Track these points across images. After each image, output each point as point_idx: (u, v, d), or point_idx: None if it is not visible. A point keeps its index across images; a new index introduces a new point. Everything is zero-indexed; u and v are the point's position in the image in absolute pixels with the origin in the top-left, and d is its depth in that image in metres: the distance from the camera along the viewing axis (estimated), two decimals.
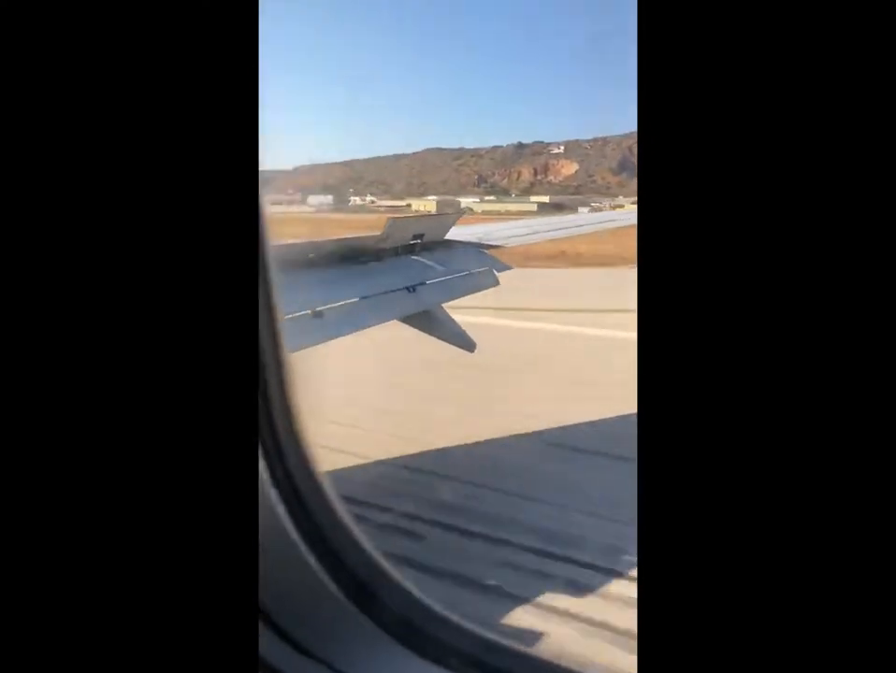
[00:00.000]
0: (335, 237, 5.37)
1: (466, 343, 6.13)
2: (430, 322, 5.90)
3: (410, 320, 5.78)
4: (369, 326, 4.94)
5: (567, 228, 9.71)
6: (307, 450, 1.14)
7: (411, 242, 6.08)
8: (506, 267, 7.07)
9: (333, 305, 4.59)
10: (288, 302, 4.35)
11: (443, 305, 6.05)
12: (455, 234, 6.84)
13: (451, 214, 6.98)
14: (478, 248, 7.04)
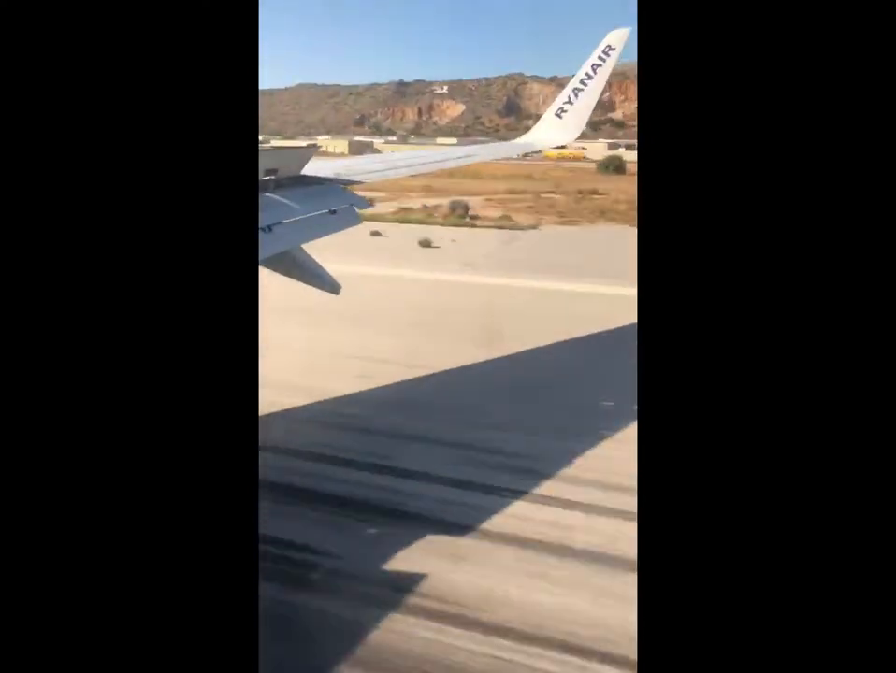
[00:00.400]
0: None
1: (330, 285, 5.92)
2: (290, 264, 5.61)
3: (268, 262, 5.45)
4: None
5: (429, 163, 9.56)
6: None
7: (264, 178, 5.67)
8: (367, 205, 6.84)
9: None
10: None
11: (303, 245, 5.75)
12: (311, 168, 6.47)
13: (305, 148, 6.60)
14: (337, 184, 6.73)
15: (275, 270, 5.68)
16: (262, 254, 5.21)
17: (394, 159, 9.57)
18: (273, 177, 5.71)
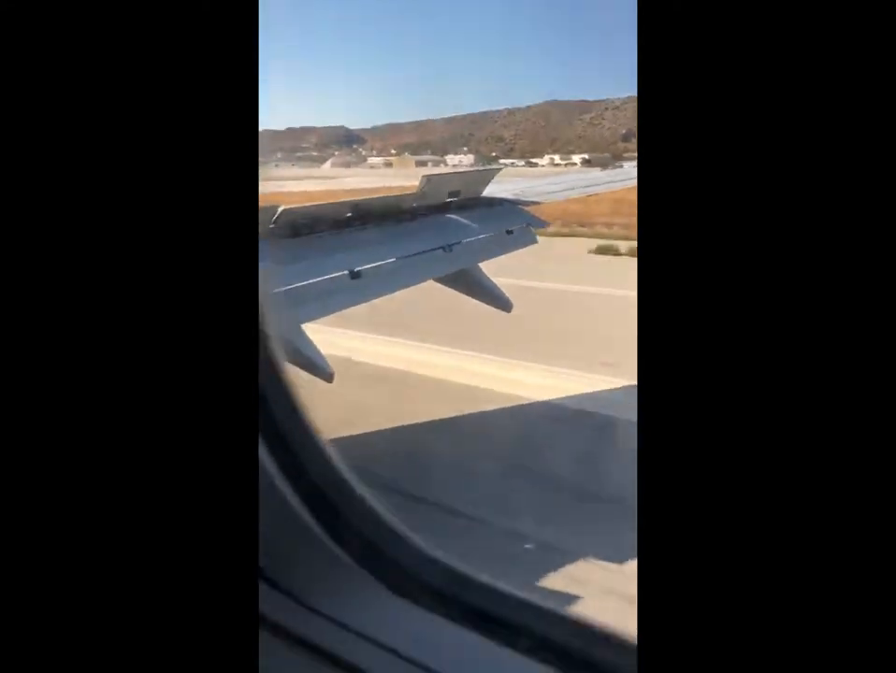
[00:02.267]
0: (370, 197, 5.32)
1: (502, 303, 6.08)
2: (466, 281, 5.86)
3: (446, 280, 5.75)
4: (405, 287, 4.93)
5: (604, 184, 9.45)
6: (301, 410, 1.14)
7: (448, 200, 6.00)
8: (543, 224, 6.94)
9: (370, 265, 4.58)
10: (324, 263, 4.36)
11: (480, 264, 5.99)
12: (491, 190, 6.72)
13: (488, 170, 6.84)
14: (515, 205, 6.91)
15: (453, 287, 5.97)
16: (441, 272, 5.52)
17: (572, 179, 9.58)
18: (456, 199, 6.03)
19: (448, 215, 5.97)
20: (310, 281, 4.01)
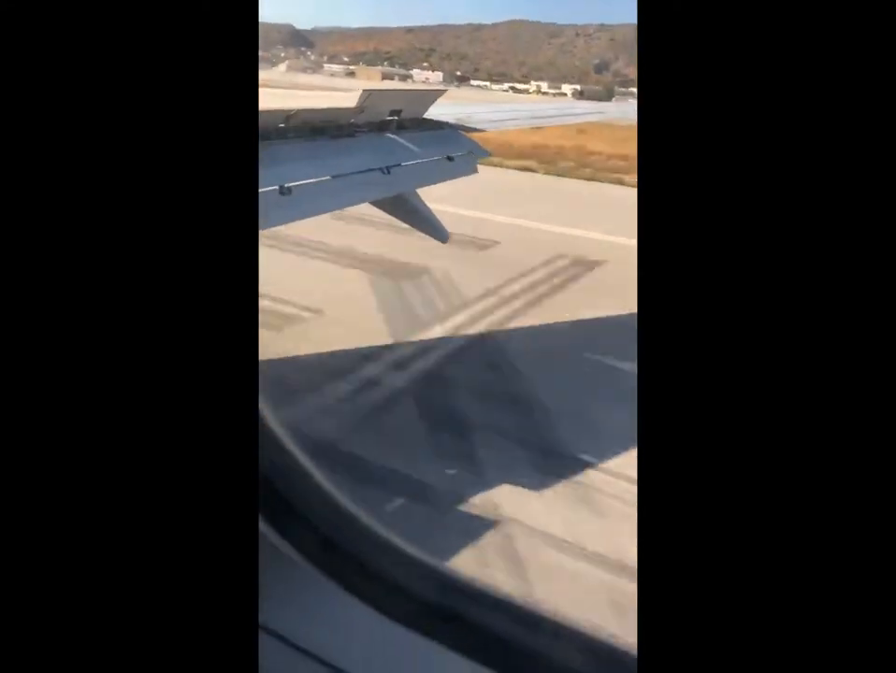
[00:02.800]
0: (305, 107, 4.96)
1: (438, 233, 5.93)
2: (404, 207, 5.65)
3: (381, 204, 5.52)
4: (339, 208, 4.68)
5: (554, 116, 9.25)
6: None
7: (388, 118, 5.69)
8: (486, 153, 6.74)
9: (302, 182, 4.30)
10: None
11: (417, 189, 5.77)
12: (433, 113, 6.43)
13: (432, 90, 6.55)
14: (457, 130, 6.65)
15: (388, 212, 5.75)
16: (378, 195, 5.28)
17: (519, 109, 9.34)
18: (396, 118, 5.72)
19: (388, 134, 5.67)
20: None
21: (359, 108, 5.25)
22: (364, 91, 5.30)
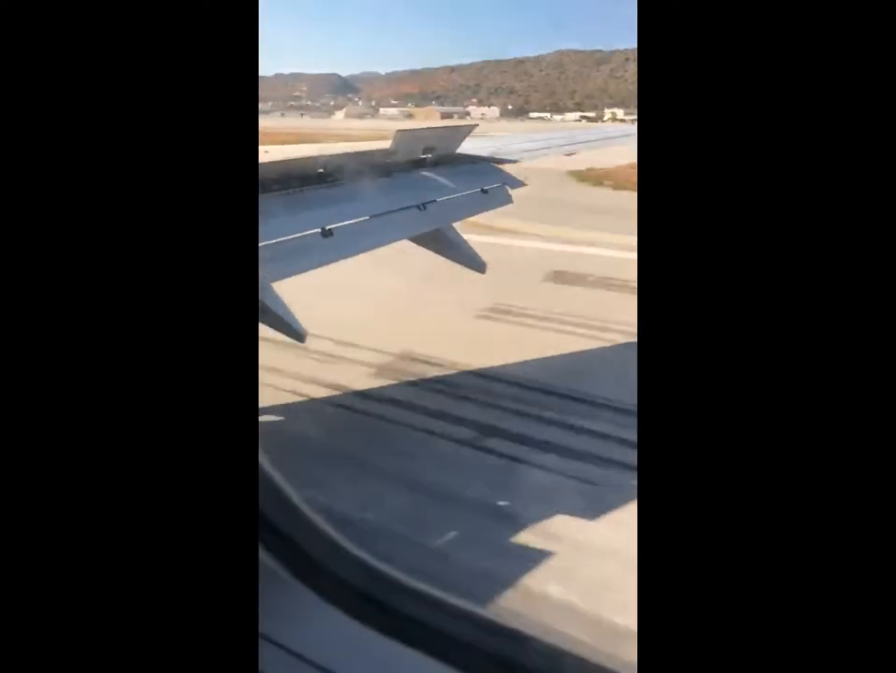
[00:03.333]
0: (340, 152, 5.16)
1: (476, 264, 6.01)
2: (441, 241, 5.77)
3: (420, 239, 5.65)
4: (379, 246, 4.83)
5: (586, 142, 9.33)
6: None
7: (422, 157, 5.86)
8: (520, 184, 6.84)
9: (342, 223, 4.46)
10: (295, 220, 4.24)
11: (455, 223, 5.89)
12: (466, 147, 6.58)
13: (463, 126, 6.70)
14: (490, 163, 6.78)
15: (427, 247, 5.88)
16: (416, 231, 5.42)
17: (551, 137, 9.44)
18: (430, 155, 5.89)
19: (422, 172, 5.83)
20: (280, 239, 3.90)
21: (393, 149, 5.43)
22: (396, 131, 5.49)
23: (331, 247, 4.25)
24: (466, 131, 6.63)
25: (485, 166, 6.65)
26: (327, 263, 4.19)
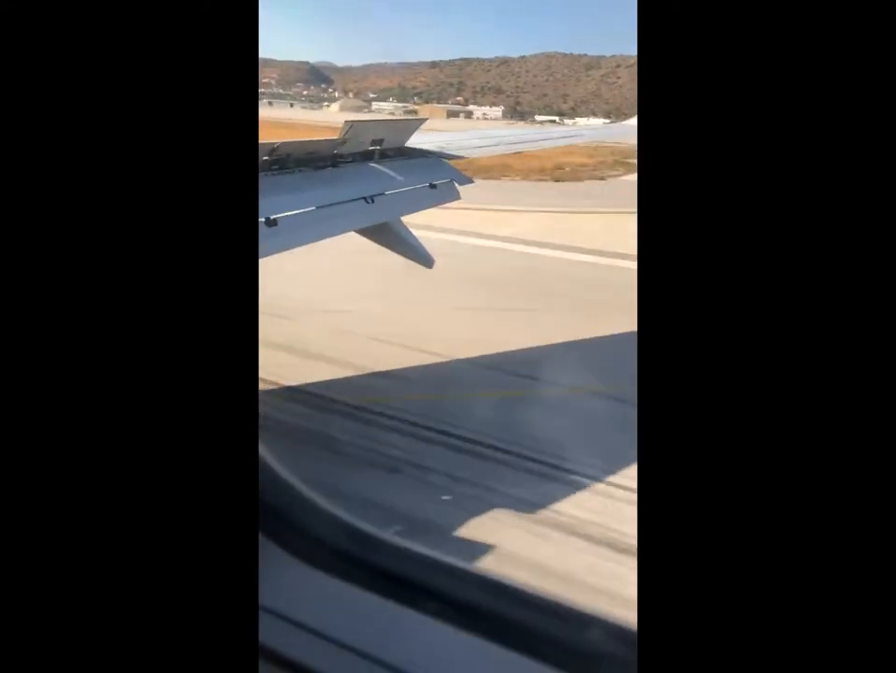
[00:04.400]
0: (290, 140, 5.04)
1: (423, 258, 6.00)
2: (388, 235, 5.72)
3: (366, 232, 5.59)
4: (325, 237, 4.74)
5: (533, 141, 9.43)
6: None
7: (370, 148, 5.79)
8: (468, 180, 6.85)
9: (288, 213, 4.36)
10: None
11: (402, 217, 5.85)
12: (415, 141, 6.54)
13: (413, 120, 6.67)
14: (439, 158, 6.76)
15: (373, 240, 5.82)
16: (363, 223, 5.36)
17: (499, 135, 9.49)
18: (379, 147, 5.82)
19: (371, 164, 5.76)
20: None
21: (342, 139, 5.35)
22: (346, 122, 5.40)
23: (275, 236, 4.15)
24: (416, 125, 6.59)
25: (434, 161, 6.63)
26: (272, 253, 4.09)
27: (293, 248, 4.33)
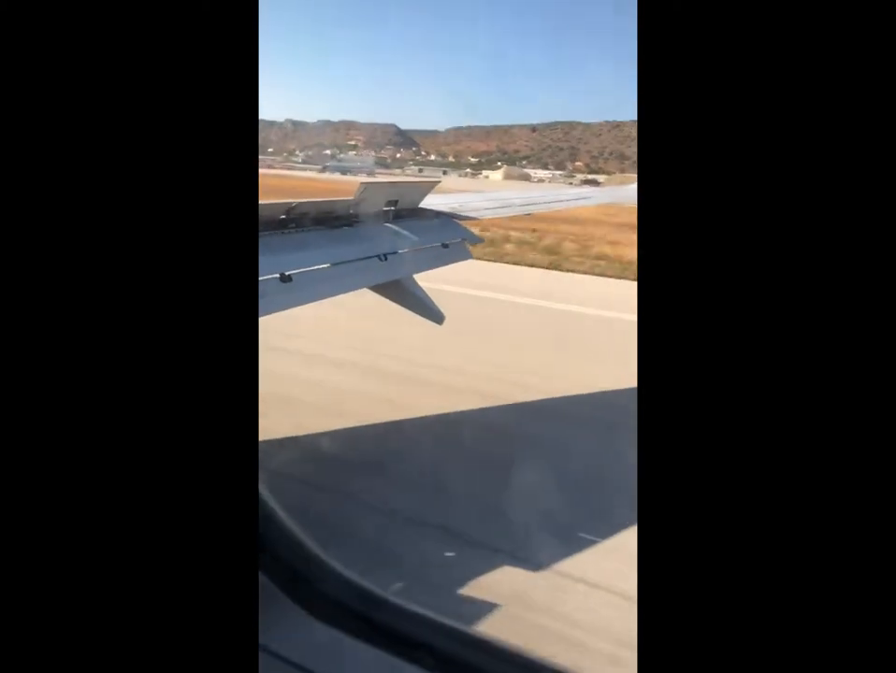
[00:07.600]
0: (307, 199, 5.23)
1: (434, 315, 6.08)
2: (400, 292, 5.83)
3: (379, 288, 5.70)
4: (339, 293, 4.85)
5: (544, 203, 9.65)
6: None
7: (385, 209, 5.97)
8: (479, 240, 7.01)
9: (303, 269, 4.48)
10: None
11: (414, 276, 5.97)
12: (428, 202, 6.73)
13: (426, 182, 6.89)
14: (452, 218, 6.95)
15: (385, 296, 5.93)
16: (376, 280, 5.47)
17: (509, 196, 9.73)
18: (393, 208, 6.00)
19: (385, 224, 5.94)
20: None
21: (357, 200, 5.53)
22: (361, 183, 5.60)
23: (290, 292, 4.25)
24: (428, 187, 6.81)
25: (447, 221, 6.81)
26: (287, 308, 4.19)
27: (307, 303, 4.43)
